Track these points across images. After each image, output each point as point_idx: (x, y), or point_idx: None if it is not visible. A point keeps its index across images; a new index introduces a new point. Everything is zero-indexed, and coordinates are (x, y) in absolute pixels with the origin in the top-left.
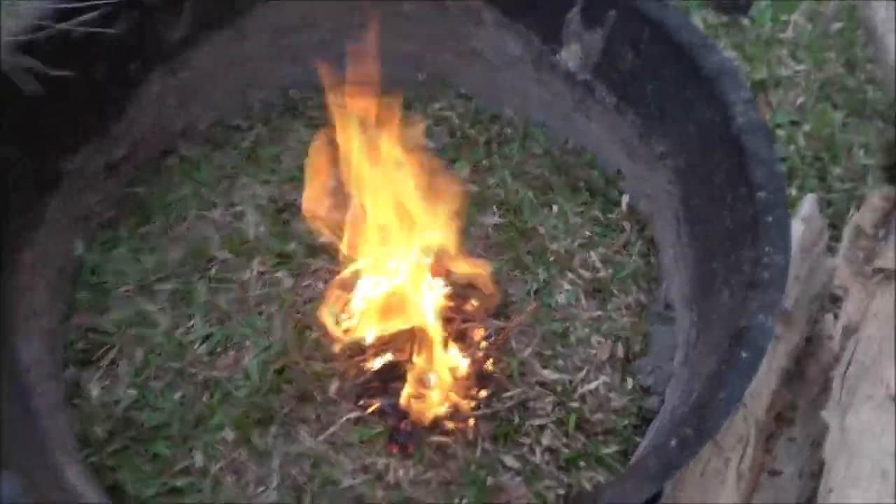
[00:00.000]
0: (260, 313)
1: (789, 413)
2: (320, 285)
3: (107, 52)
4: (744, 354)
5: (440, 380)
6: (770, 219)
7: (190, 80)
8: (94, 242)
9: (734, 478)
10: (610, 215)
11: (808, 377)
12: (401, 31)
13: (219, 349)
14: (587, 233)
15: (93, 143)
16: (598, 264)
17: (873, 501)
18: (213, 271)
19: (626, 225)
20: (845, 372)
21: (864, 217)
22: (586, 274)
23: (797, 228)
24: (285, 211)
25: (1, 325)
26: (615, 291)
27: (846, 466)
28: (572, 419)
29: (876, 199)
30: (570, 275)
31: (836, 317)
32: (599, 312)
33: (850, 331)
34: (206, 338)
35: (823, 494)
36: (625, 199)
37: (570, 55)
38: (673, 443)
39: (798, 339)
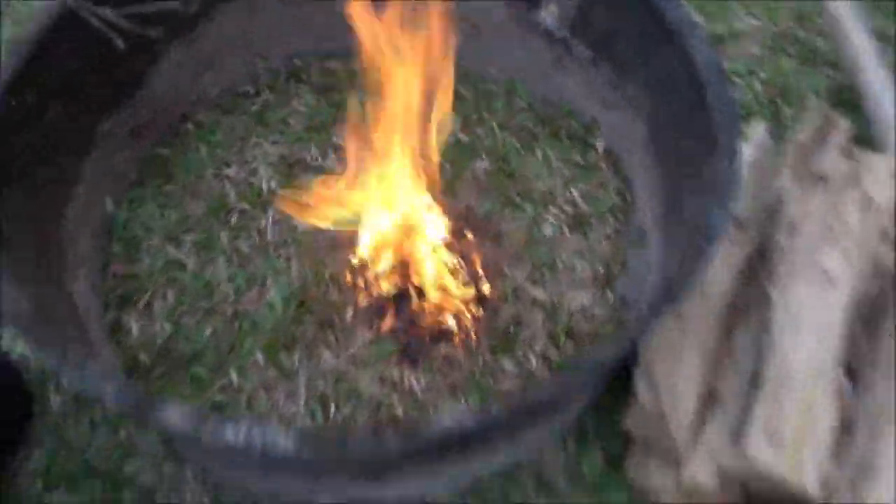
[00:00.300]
0: (278, 256)
1: (745, 310)
2: (332, 230)
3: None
4: (702, 242)
5: (444, 299)
6: (724, 137)
7: (204, 50)
8: (122, 200)
9: (698, 353)
10: (588, 158)
11: (762, 280)
12: None
13: (243, 288)
14: (568, 174)
15: (121, 108)
16: (579, 201)
17: (813, 361)
18: (232, 221)
19: (603, 165)
20: (787, 257)
21: (804, 133)
22: (569, 209)
23: (749, 152)
24: (295, 167)
25: (59, 272)
26: (595, 223)
27: (789, 334)
28: (561, 330)
29: (815, 117)
30: (554, 210)
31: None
32: (582, 242)
33: (792, 227)
34: (231, 278)
35: (770, 359)
36: (601, 144)
37: (548, 15)
38: (645, 308)
39: (752, 244)
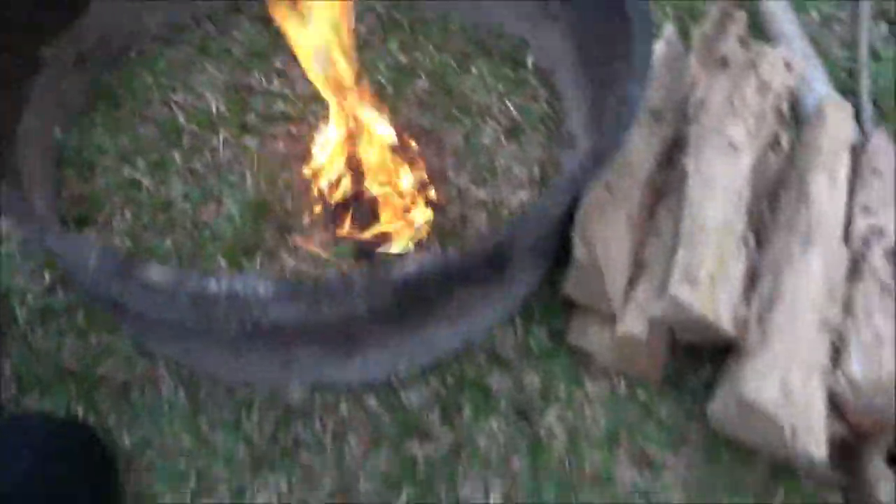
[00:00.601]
0: (232, 172)
1: (666, 193)
2: (280, 145)
3: None
4: (621, 109)
5: (394, 200)
6: (639, 28)
7: None
8: (71, 128)
9: (627, 224)
10: (520, 74)
11: (678, 162)
12: None
13: (199, 202)
14: (502, 89)
15: (64, 35)
16: (514, 111)
17: (723, 216)
18: (184, 143)
19: (533, 80)
20: (698, 132)
21: (707, 25)
22: (504, 120)
23: (660, 48)
24: (241, 91)
25: (18, 189)
26: (528, 131)
27: (702, 193)
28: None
29: (714, 10)
30: (490, 122)
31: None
32: (518, 148)
33: (700, 104)
34: (187, 195)
35: (687, 216)
36: (530, 59)
37: None
38: (577, 165)
39: (669, 131)
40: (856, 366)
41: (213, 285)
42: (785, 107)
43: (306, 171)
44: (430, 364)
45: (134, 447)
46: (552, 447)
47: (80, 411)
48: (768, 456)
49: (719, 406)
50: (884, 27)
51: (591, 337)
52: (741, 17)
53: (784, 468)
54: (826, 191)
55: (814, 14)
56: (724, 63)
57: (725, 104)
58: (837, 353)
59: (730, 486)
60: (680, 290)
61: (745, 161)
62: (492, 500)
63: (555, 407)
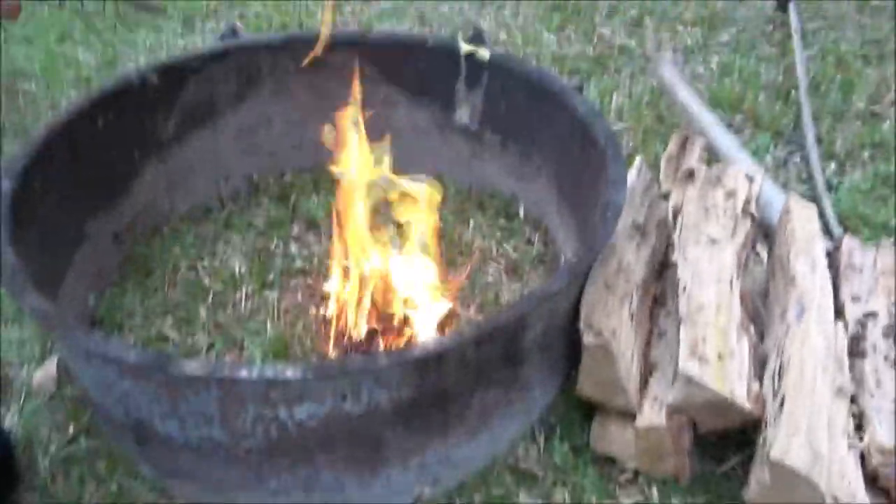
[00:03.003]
0: (253, 321)
1: (661, 298)
2: (299, 297)
3: (116, 140)
4: (606, 209)
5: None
6: (611, 154)
7: (176, 170)
8: (104, 294)
9: (628, 315)
10: (513, 223)
11: (670, 276)
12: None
13: (223, 350)
14: (498, 235)
15: (105, 213)
16: (512, 253)
17: (718, 297)
18: (209, 299)
19: (526, 228)
20: (680, 233)
21: (671, 148)
22: (504, 261)
23: (632, 175)
24: (262, 254)
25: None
26: (527, 269)
27: (693, 279)
28: None
29: (675, 137)
30: (492, 263)
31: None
32: (520, 285)
33: (676, 211)
34: (212, 344)
35: (683, 301)
36: (522, 210)
37: (462, 114)
38: (574, 258)
39: (654, 242)
40: (885, 435)
41: (244, 372)
42: (754, 209)
43: (326, 312)
44: (454, 484)
45: None
46: None
47: None
48: None
49: (754, 488)
50: (833, 164)
51: (614, 438)
52: (700, 140)
53: None
54: (809, 272)
55: (768, 159)
56: (691, 175)
57: (699, 209)
58: (860, 424)
59: None
60: (689, 365)
61: (728, 252)
62: None
63: None
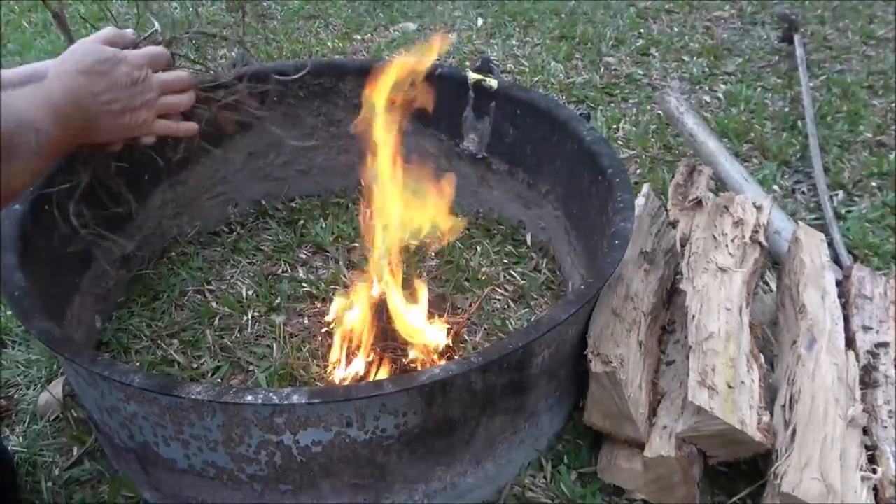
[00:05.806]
0: (259, 345)
1: (669, 327)
2: (305, 321)
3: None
4: (616, 241)
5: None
6: (618, 181)
7: (184, 195)
8: (110, 317)
9: (636, 343)
10: (520, 249)
11: (679, 304)
12: (338, 147)
13: (229, 374)
14: (506, 261)
15: (115, 235)
16: (519, 280)
17: (726, 326)
18: (216, 323)
19: (533, 255)
20: (688, 261)
21: (678, 177)
22: (510, 287)
23: (640, 202)
24: (269, 278)
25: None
26: (534, 296)
27: (702, 308)
28: None
29: (682, 166)
30: (499, 290)
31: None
32: (525, 310)
33: (684, 240)
34: (217, 369)
35: (692, 330)
36: (528, 237)
37: (469, 142)
38: (581, 285)
39: (662, 271)
40: None
41: (250, 397)
42: (762, 238)
43: (332, 338)
44: None
45: None
46: None
47: None
48: None
49: None
50: (841, 193)
51: (622, 467)
52: (707, 169)
53: None
54: (819, 301)
55: (776, 188)
56: (698, 204)
57: (708, 238)
58: (872, 455)
59: None
60: (698, 395)
61: (737, 281)
62: None
63: None
